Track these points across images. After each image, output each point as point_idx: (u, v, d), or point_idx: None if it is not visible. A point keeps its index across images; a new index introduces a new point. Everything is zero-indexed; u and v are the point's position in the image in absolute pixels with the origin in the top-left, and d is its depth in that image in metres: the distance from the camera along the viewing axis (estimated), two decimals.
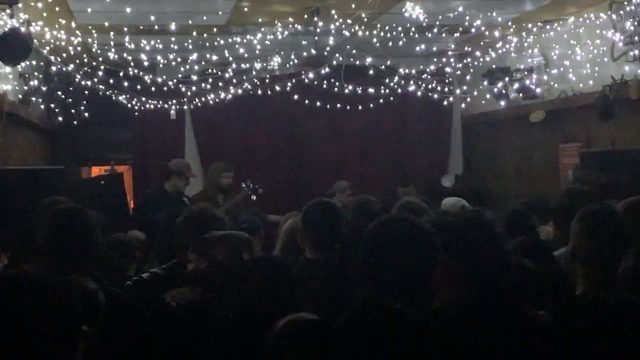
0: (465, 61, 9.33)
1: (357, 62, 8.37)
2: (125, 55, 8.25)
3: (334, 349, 2.17)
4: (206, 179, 8.83)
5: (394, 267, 2.55)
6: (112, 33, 7.64)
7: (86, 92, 9.18)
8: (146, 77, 8.35)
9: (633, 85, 6.97)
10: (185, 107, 9.57)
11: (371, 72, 8.38)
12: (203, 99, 9.07)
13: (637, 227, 3.17)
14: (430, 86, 9.03)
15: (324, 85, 8.71)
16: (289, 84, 8.91)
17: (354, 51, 8.14)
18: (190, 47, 8.07)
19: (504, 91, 9.06)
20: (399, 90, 8.95)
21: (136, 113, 9.69)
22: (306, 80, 8.59)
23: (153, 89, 8.66)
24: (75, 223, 3.58)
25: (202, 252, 3.68)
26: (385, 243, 2.61)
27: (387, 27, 7.80)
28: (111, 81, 8.44)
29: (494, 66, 9.19)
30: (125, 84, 8.52)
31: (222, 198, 8.05)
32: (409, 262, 2.54)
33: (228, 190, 8.11)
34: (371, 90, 8.82)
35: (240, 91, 8.79)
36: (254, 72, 8.84)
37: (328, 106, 9.31)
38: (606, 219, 3.06)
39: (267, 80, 9.04)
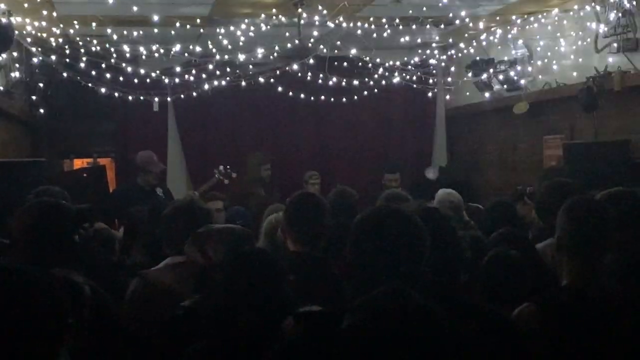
0: (449, 53, 9.33)
1: (341, 54, 8.35)
2: (107, 46, 8.19)
3: (351, 338, 2.12)
4: (188, 171, 8.84)
5: (384, 258, 2.53)
6: (93, 24, 7.57)
7: (68, 84, 9.09)
8: (129, 69, 8.28)
9: (616, 77, 6.99)
10: (168, 98, 9.50)
11: (355, 63, 8.35)
12: (186, 90, 9.02)
13: (618, 218, 3.17)
14: (414, 78, 9.03)
15: (308, 77, 8.68)
16: (273, 75, 8.87)
17: (338, 43, 8.12)
18: (173, 38, 8.02)
19: (488, 83, 9.07)
20: (383, 82, 8.94)
21: (118, 105, 9.62)
22: (290, 72, 8.56)
23: (136, 80, 8.60)
24: (51, 216, 3.54)
25: (200, 246, 3.65)
26: (374, 234, 2.59)
27: (371, 19, 7.78)
28: (93, 73, 8.37)
29: (477, 58, 9.20)
30: (108, 75, 8.45)
31: (262, 190, 8.23)
32: (399, 252, 2.53)
33: (267, 182, 8.36)
34: (355, 82, 8.80)
35: (223, 83, 8.74)
36: (237, 64, 8.79)
37: (312, 98, 9.28)
38: (592, 210, 3.07)
39: (250, 72, 9.00)
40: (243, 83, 8.80)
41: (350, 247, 2.65)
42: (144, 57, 8.66)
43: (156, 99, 9.24)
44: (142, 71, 8.38)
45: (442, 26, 8.19)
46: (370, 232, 2.61)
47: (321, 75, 8.51)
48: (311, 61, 8.24)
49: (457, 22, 7.90)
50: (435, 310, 2.09)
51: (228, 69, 8.78)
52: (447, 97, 9.95)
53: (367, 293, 2.13)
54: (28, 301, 2.05)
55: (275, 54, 8.62)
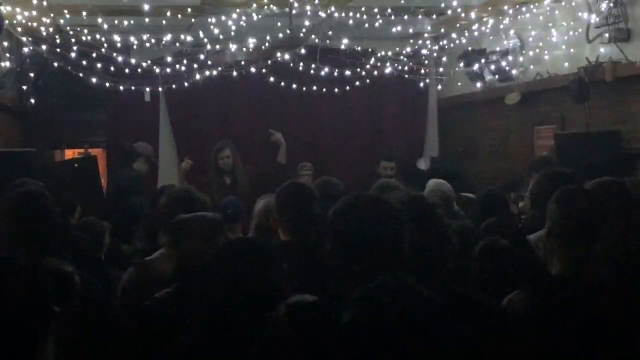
0: (441, 43, 9.32)
1: (333, 44, 8.33)
2: (98, 36, 8.15)
3: (355, 333, 2.11)
4: (180, 161, 8.86)
5: (362, 245, 2.52)
6: (84, 13, 7.53)
7: (59, 73, 9.05)
8: (120, 59, 8.25)
9: (608, 67, 6.99)
10: (159, 89, 9.47)
11: (347, 54, 8.34)
12: (178, 80, 8.99)
13: (607, 207, 3.19)
14: (406, 68, 9.02)
15: (300, 67, 8.66)
16: (264, 65, 8.85)
17: (329, 33, 8.10)
18: (164, 28, 7.99)
19: (479, 73, 9.07)
20: (375, 73, 8.93)
21: (110, 95, 9.58)
22: (281, 62, 8.54)
23: (127, 70, 8.57)
24: (33, 206, 3.53)
25: (173, 236, 3.65)
26: (350, 222, 2.58)
27: (362, 9, 7.76)
28: (84, 63, 8.33)
29: (469, 48, 9.19)
30: (99, 65, 8.41)
31: (227, 179, 8.28)
32: (376, 238, 2.52)
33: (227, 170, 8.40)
34: (347, 72, 8.78)
35: (214, 73, 8.72)
36: (228, 54, 8.77)
37: (304, 88, 9.26)
38: (582, 199, 3.09)
39: (242, 62, 8.97)
40: (234, 73, 8.78)
41: (329, 236, 2.65)
42: (135, 46, 8.63)
43: (147, 89, 9.21)
44: (134, 61, 8.34)
45: (434, 16, 8.19)
46: (346, 221, 2.59)
47: (313, 66, 8.49)
48: (303, 51, 8.21)
49: (449, 12, 7.89)
50: (438, 301, 2.09)
51: (219, 59, 8.76)
52: (439, 87, 9.93)
53: (354, 282, 2.13)
54: (7, 288, 2.05)
55: (266, 44, 8.61)
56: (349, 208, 2.63)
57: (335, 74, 8.74)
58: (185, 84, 8.90)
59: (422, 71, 9.18)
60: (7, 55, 8.58)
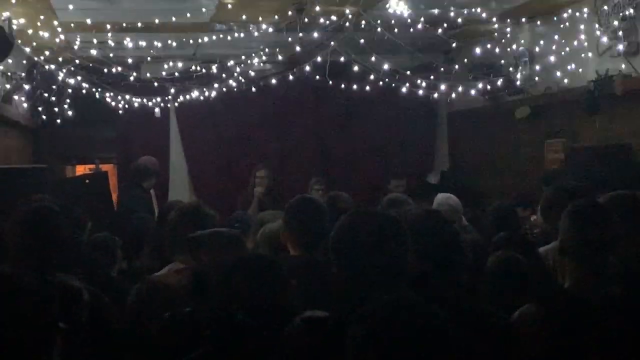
0: (450, 57, 9.31)
1: (342, 59, 8.34)
2: (108, 52, 8.19)
3: (361, 350, 2.10)
4: (190, 176, 8.88)
5: (363, 262, 2.52)
6: (94, 30, 7.58)
7: (69, 90, 9.10)
8: (130, 76, 8.29)
9: (618, 81, 6.97)
10: (169, 105, 9.51)
11: (356, 68, 8.34)
12: (188, 96, 9.02)
13: (620, 221, 3.17)
14: (415, 82, 9.01)
15: (309, 82, 8.67)
16: (274, 80, 8.87)
17: (338, 47, 8.11)
18: (174, 44, 8.02)
19: (488, 87, 9.05)
20: (384, 87, 8.92)
21: (120, 111, 9.63)
22: (291, 77, 8.55)
23: (137, 86, 8.60)
24: (43, 222, 3.54)
25: (190, 251, 3.64)
26: (350, 239, 2.58)
27: (371, 23, 7.77)
28: (95, 79, 8.37)
29: (479, 62, 9.17)
30: (109, 82, 8.46)
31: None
32: (376, 255, 2.51)
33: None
34: (355, 86, 8.79)
35: (224, 89, 8.74)
36: (238, 70, 8.79)
37: (313, 102, 9.27)
38: (595, 213, 3.07)
39: (251, 78, 9.00)
40: (244, 88, 8.80)
41: (332, 252, 2.65)
42: (145, 63, 8.68)
43: (158, 105, 9.26)
44: (144, 77, 8.39)
45: (443, 30, 8.17)
46: (346, 238, 2.60)
47: (322, 80, 8.50)
48: (312, 66, 8.22)
49: (459, 24, 7.89)
50: (442, 316, 2.08)
51: (230, 75, 8.78)
52: (448, 100, 9.93)
53: (359, 298, 2.12)
54: (13, 303, 2.04)
55: (276, 59, 8.63)
56: (349, 225, 2.63)
57: (344, 88, 8.75)
58: (195, 99, 8.93)
59: (431, 85, 9.16)
60: (18, 72, 8.64)
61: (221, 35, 8.01)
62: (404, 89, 8.62)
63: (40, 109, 9.30)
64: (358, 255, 2.53)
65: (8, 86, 8.35)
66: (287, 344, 2.52)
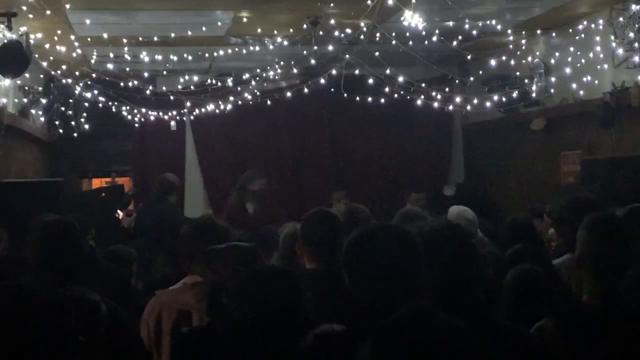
0: (465, 69, 9.30)
1: (357, 71, 8.35)
2: (124, 66, 8.24)
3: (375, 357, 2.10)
4: (206, 189, 8.83)
5: (375, 276, 2.51)
6: (110, 45, 7.63)
7: (86, 104, 9.16)
8: (146, 89, 8.33)
9: (634, 92, 6.94)
10: (185, 118, 9.55)
11: (371, 81, 8.35)
12: (203, 109, 9.06)
13: (636, 234, 3.15)
14: (430, 95, 9.00)
15: (324, 95, 8.68)
16: (289, 93, 8.89)
17: (353, 60, 8.12)
18: (190, 58, 8.05)
19: (504, 99, 9.03)
20: (399, 99, 8.92)
21: (136, 124, 9.68)
22: (306, 90, 8.57)
23: (153, 100, 8.65)
24: (60, 236, 3.56)
25: (207, 264, 3.64)
26: (361, 253, 2.56)
27: (386, 36, 7.78)
28: (111, 93, 8.42)
29: (494, 73, 9.16)
30: (125, 95, 8.51)
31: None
32: (388, 269, 2.51)
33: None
34: (370, 99, 8.80)
35: (240, 102, 8.77)
36: (253, 83, 8.82)
37: (328, 115, 9.28)
38: (613, 227, 3.05)
39: (267, 91, 9.02)
40: (259, 101, 8.83)
41: (343, 266, 2.65)
42: (161, 76, 8.72)
43: (174, 119, 9.30)
44: (160, 90, 8.43)
45: (458, 42, 8.17)
46: (358, 252, 2.59)
47: (337, 93, 8.51)
48: (327, 79, 8.24)
49: (474, 36, 7.88)
50: (462, 328, 2.07)
51: (245, 88, 8.81)
52: (463, 112, 9.91)
53: (374, 311, 2.11)
54: (31, 319, 2.05)
55: (291, 73, 8.65)
56: (360, 240, 2.62)
57: (359, 101, 8.76)
58: (211, 112, 8.95)
59: (447, 97, 9.15)
60: (35, 86, 8.71)
61: (236, 49, 8.04)
62: (419, 102, 8.61)
63: (57, 122, 9.36)
64: (368, 269, 2.53)
65: (25, 100, 8.42)
66: (301, 358, 2.51)
